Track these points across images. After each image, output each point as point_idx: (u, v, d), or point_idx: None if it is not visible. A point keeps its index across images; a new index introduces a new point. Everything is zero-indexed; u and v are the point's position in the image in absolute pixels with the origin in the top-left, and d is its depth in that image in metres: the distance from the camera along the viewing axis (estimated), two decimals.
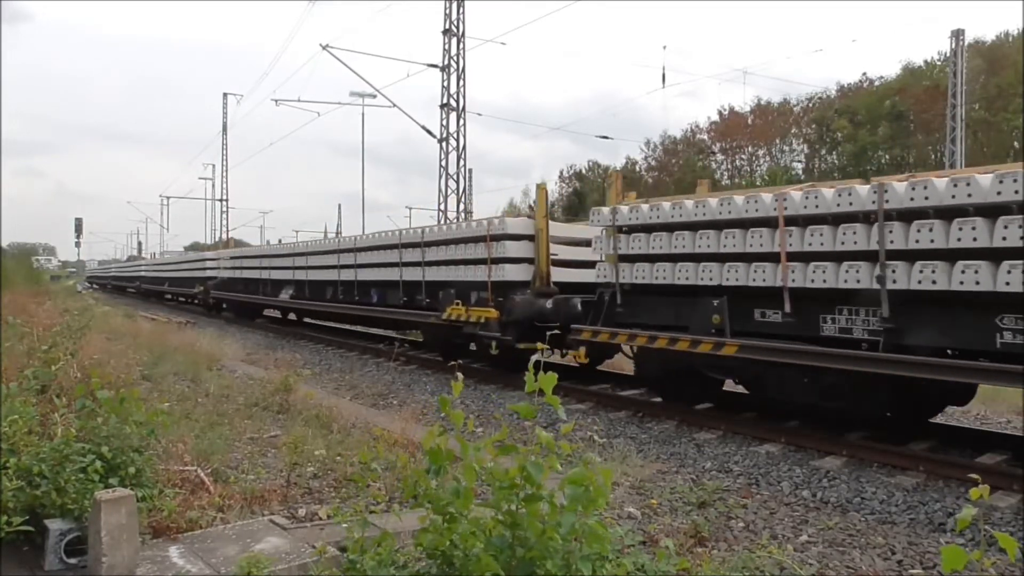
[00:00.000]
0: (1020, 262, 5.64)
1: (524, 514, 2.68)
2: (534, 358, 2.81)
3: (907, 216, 6.43)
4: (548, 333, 10.39)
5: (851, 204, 6.76)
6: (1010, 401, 9.85)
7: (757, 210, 7.53)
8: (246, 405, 8.84)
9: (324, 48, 24.66)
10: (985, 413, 9.85)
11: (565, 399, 9.71)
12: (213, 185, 57.24)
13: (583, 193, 65.98)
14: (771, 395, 8.12)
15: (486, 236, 11.50)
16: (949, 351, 6.47)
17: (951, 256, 6.09)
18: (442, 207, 26.93)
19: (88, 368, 6.75)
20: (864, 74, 60.41)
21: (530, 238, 11.32)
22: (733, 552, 4.76)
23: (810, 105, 62.04)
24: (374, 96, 29.24)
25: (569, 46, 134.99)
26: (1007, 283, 5.69)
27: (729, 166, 67.16)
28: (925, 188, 6.26)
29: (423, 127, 26.41)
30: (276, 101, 31.25)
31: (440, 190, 26.80)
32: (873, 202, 6.57)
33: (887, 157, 53.87)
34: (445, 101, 26.23)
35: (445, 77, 26.09)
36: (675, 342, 8.24)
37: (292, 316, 24.18)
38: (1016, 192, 5.73)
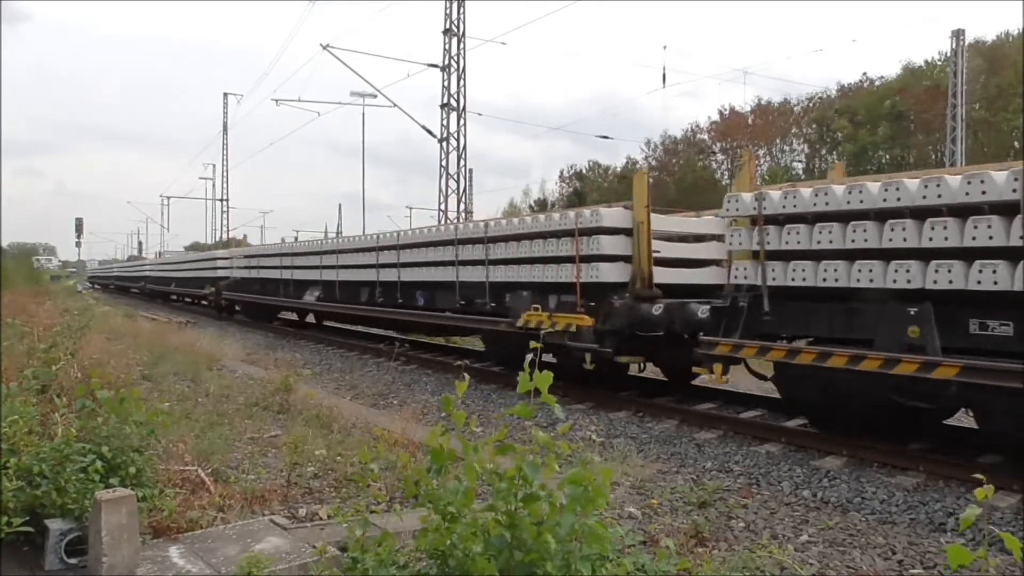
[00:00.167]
0: None
1: (523, 514, 2.68)
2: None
3: None
4: (646, 344, 9.28)
5: None
6: None
7: (984, 192, 5.86)
8: (246, 405, 8.85)
9: (324, 48, 24.75)
10: None
11: (565, 399, 9.69)
12: (213, 185, 57.36)
13: (583, 193, 65.97)
14: (1001, 430, 6.48)
15: (574, 230, 9.88)
16: None
17: None
18: (442, 207, 27.01)
19: (88, 368, 6.75)
20: (864, 74, 60.46)
21: (627, 232, 9.67)
22: (733, 552, 4.77)
23: (810, 105, 62.11)
24: (374, 96, 29.32)
25: (569, 46, 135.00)
26: None
27: (729, 166, 67.17)
28: None
29: (423, 127, 26.49)
30: (276, 101, 31.43)
31: (440, 190, 26.89)
32: None
33: (887, 157, 53.88)
34: (445, 101, 26.28)
35: (445, 77, 26.16)
36: (894, 364, 6.25)
37: (311, 319, 22.68)
38: None
